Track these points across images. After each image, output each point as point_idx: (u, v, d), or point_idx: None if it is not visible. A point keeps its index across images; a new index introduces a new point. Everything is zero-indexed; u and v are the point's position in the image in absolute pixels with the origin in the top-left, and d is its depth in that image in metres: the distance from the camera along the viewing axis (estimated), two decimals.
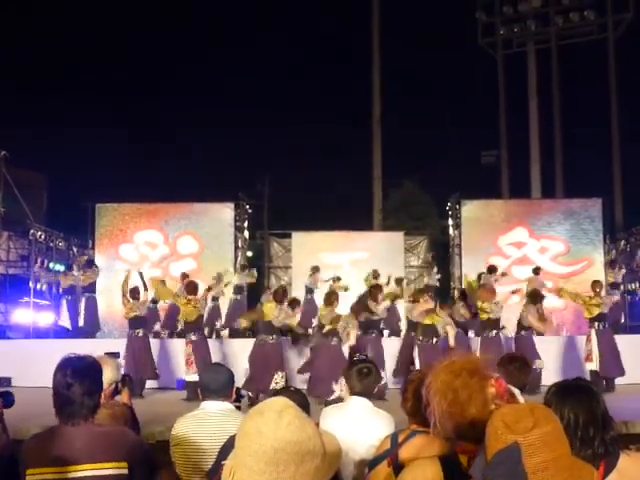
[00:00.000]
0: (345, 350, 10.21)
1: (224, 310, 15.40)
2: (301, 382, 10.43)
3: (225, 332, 15.06)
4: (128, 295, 11.73)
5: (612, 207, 21.54)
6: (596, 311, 11.03)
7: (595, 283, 11.56)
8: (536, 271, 15.21)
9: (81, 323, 14.45)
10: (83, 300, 14.58)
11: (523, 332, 11.38)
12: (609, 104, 25.17)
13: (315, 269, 16.03)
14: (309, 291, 15.82)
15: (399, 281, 14.92)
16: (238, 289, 15.82)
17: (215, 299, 14.73)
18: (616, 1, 25.55)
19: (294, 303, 11.11)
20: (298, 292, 15.82)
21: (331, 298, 10.74)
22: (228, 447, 2.91)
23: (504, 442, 1.66)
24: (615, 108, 24.99)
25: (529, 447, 1.65)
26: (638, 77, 25.85)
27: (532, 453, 1.64)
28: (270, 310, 10.50)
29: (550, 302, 15.86)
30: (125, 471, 2.75)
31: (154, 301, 14.15)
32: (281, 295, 10.64)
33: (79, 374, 2.84)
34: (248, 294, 16.26)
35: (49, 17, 32.49)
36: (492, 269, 14.89)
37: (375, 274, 15.10)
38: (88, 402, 2.83)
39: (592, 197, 17.50)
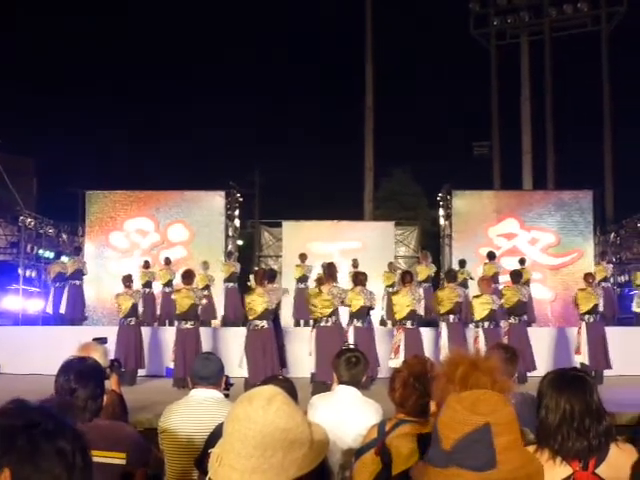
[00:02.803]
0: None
1: (217, 300, 15.30)
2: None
3: (217, 321, 15.01)
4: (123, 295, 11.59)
5: (603, 199, 21.60)
6: (590, 305, 10.99)
7: (587, 275, 11.55)
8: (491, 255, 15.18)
9: (62, 310, 14.40)
10: (67, 287, 14.55)
11: (513, 320, 11.18)
12: (601, 96, 25.18)
13: (302, 257, 15.94)
14: (301, 280, 15.73)
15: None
16: (231, 277, 15.74)
17: (206, 288, 14.62)
18: None
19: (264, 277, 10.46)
20: (288, 281, 15.82)
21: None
22: (216, 435, 2.90)
23: (473, 424, 1.65)
24: (607, 100, 25.00)
25: (498, 426, 1.65)
26: (631, 70, 25.91)
27: (501, 432, 1.65)
28: (260, 297, 10.21)
29: (539, 293, 15.96)
30: (123, 462, 2.85)
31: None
32: (261, 277, 10.24)
33: (83, 378, 2.89)
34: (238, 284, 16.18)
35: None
36: (492, 255, 14.91)
37: (355, 263, 15.11)
38: (91, 406, 2.91)
39: (583, 189, 17.52)
